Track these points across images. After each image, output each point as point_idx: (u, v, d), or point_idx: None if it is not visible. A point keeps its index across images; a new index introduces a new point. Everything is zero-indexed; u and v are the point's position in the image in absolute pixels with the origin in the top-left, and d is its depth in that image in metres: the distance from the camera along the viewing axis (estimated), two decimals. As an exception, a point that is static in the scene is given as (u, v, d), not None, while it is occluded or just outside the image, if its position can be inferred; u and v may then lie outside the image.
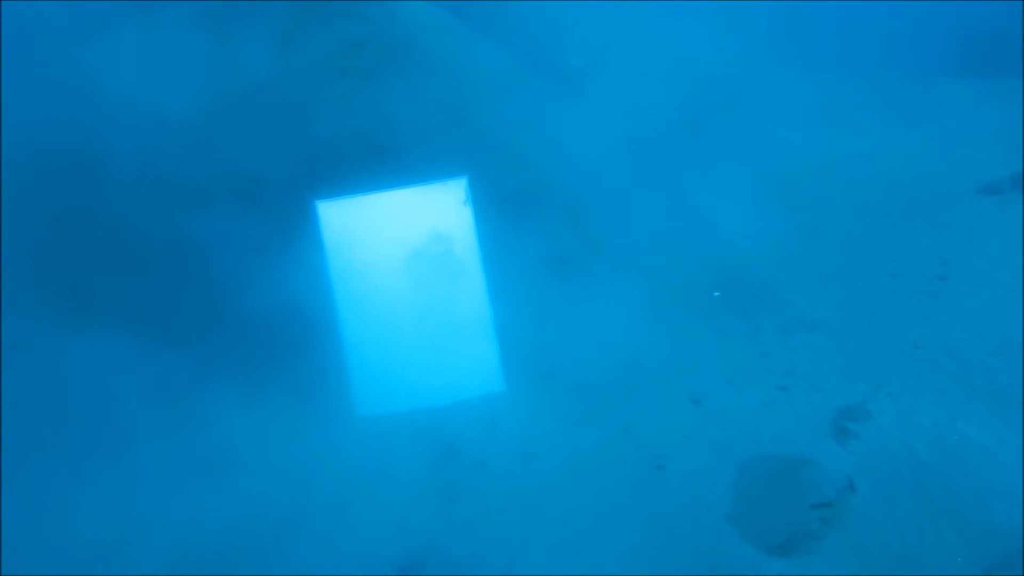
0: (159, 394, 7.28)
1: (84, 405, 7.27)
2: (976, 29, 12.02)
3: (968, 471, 5.15)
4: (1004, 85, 10.81)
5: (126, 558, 6.05)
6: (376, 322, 7.87)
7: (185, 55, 8.21)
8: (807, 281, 7.92)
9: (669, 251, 8.39)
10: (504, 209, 8.17)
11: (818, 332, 7.30)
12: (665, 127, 9.36)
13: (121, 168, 7.82)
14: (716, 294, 7.47)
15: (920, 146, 9.21)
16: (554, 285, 8.00)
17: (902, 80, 11.23)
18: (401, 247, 8.23)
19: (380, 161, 8.09)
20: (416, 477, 6.69)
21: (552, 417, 7.16)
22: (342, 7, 8.94)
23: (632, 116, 9.46)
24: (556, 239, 8.21)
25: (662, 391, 7.17)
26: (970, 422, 5.54)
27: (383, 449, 7.01)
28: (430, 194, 8.10)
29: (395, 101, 8.47)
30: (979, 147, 9.03)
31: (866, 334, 6.98)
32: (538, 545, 5.92)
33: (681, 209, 8.60)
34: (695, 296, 8.12)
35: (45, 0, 8.40)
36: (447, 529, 6.17)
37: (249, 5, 8.72)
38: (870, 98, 10.60)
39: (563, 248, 8.20)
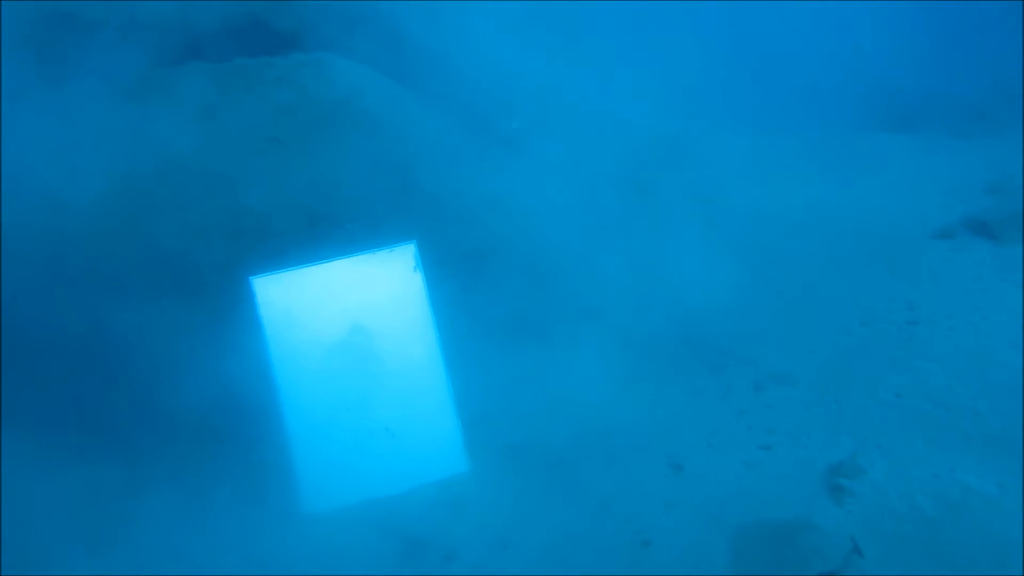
0: (82, 508, 6.43)
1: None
2: (900, 87, 12.85)
3: (977, 524, 4.99)
4: (931, 139, 11.48)
5: None
6: (322, 407, 7.35)
7: (98, 131, 7.72)
8: (774, 333, 7.91)
9: (632, 309, 8.26)
10: (457, 273, 7.95)
11: (793, 385, 7.23)
12: (614, 186, 9.40)
13: (22, 257, 7.16)
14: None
15: (866, 195, 9.55)
16: (515, 350, 7.74)
17: (835, 135, 11.77)
18: (347, 321, 7.84)
19: (320, 231, 7.76)
20: (377, 577, 6.09)
21: (523, 497, 6.73)
22: (270, 75, 8.70)
23: (580, 176, 9.47)
24: (514, 301, 7.98)
25: (639, 458, 6.87)
26: (969, 471, 5.44)
27: (339, 549, 6.38)
28: (377, 262, 7.79)
29: (333, 168, 8.20)
30: (921, 195, 9.42)
31: (843, 384, 6.93)
32: None
33: (640, 266, 8.54)
34: (663, 354, 7.96)
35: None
36: None
37: (169, 76, 8.36)
38: (808, 152, 11.04)
39: (522, 310, 7.98)
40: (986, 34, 13.74)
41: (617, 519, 6.22)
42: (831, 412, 6.67)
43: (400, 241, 7.66)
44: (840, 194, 9.63)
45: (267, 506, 6.66)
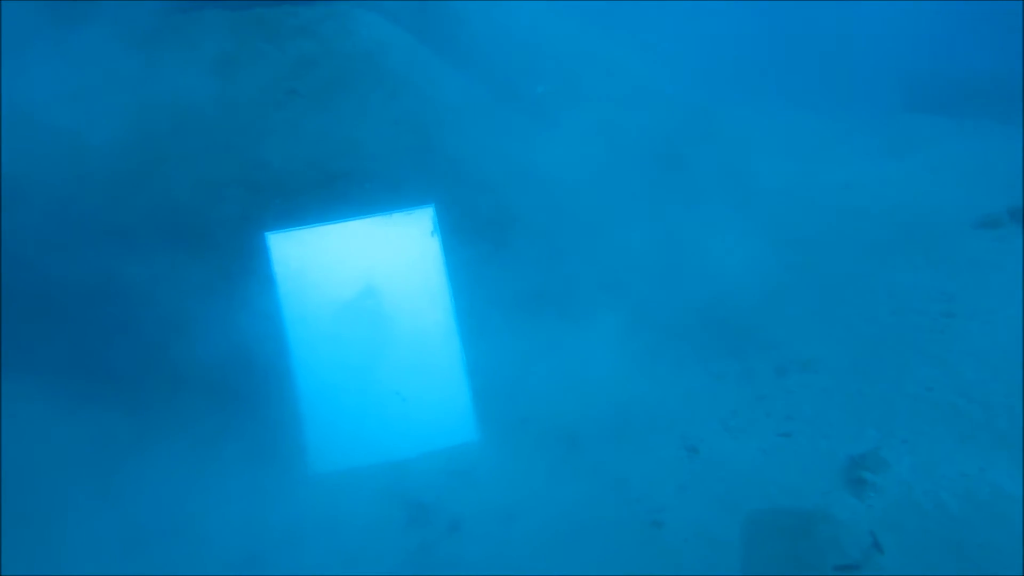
0: (89, 459, 6.41)
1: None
2: (945, 68, 12.36)
3: (1006, 526, 4.81)
4: (976, 123, 11.03)
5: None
6: (334, 368, 7.28)
7: (112, 77, 7.55)
8: (800, 318, 7.68)
9: (654, 286, 8.04)
10: (475, 240, 7.74)
11: (816, 372, 7.03)
12: (642, 158, 9.11)
13: (36, 204, 7.07)
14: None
15: (906, 179, 9.21)
16: (531, 322, 7.55)
17: (875, 115, 11.37)
18: (361, 283, 7.74)
19: (337, 190, 7.58)
20: (382, 543, 6.04)
21: (533, 470, 6.64)
22: (291, 24, 8.47)
23: (607, 146, 9.19)
24: (532, 273, 7.77)
25: (653, 438, 6.76)
26: (1000, 471, 5.24)
27: (344, 511, 6.33)
28: (393, 224, 7.66)
29: (353, 125, 8.00)
30: (964, 182, 9.06)
31: (869, 374, 6.71)
32: None
33: (664, 242, 8.29)
34: (683, 334, 7.76)
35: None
36: None
37: (185, 22, 8.16)
38: (849, 131, 10.66)
39: (540, 282, 7.76)
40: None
41: (628, 499, 6.12)
42: (855, 402, 6.47)
43: (418, 204, 7.56)
44: (878, 176, 9.30)
45: (273, 464, 6.62)
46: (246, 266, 7.07)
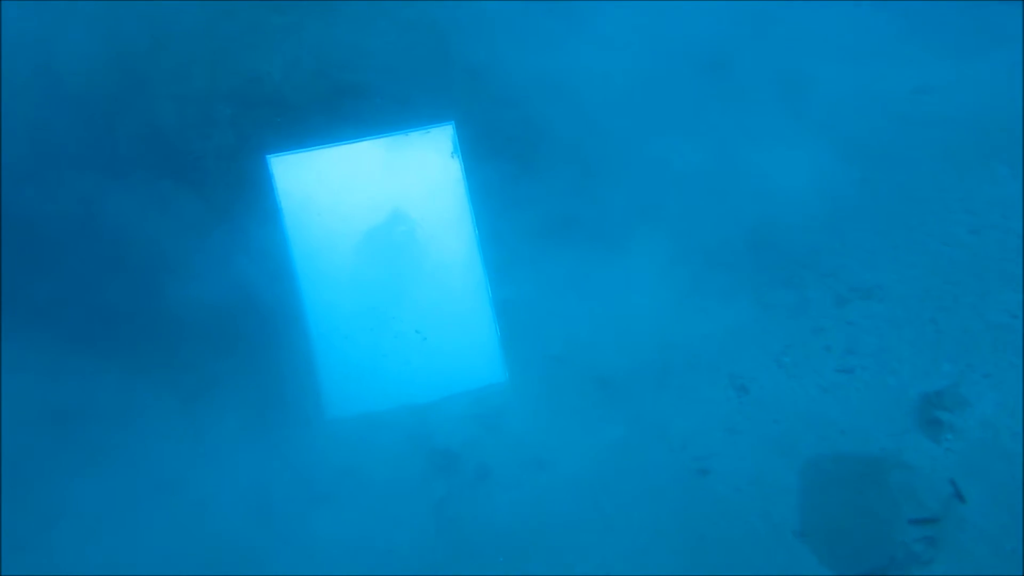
0: (81, 409, 6.16)
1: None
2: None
3: (1111, 473, 4.32)
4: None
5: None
6: (347, 304, 6.94)
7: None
8: (863, 240, 7.08)
9: (697, 208, 7.46)
10: (499, 161, 7.20)
11: (882, 301, 6.49)
12: (685, 63, 8.33)
13: (6, 131, 6.62)
14: None
15: (988, 80, 8.31)
16: (562, 251, 7.06)
17: (947, 5, 10.29)
18: (376, 210, 7.33)
19: (345, 105, 7.06)
20: (404, 492, 5.86)
21: (564, 413, 6.36)
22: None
23: (646, 51, 8.42)
24: (563, 196, 7.24)
25: (698, 377, 6.38)
26: (1104, 410, 4.71)
27: (362, 459, 6.11)
28: (410, 144, 7.20)
29: (361, 31, 7.38)
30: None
31: (944, 302, 6.14)
32: (558, 573, 5.14)
33: (710, 158, 7.63)
34: (729, 261, 7.23)
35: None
36: (444, 557, 5.39)
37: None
38: (917, 28, 9.67)
39: (571, 206, 7.23)
40: None
41: (671, 444, 5.82)
42: (928, 333, 5.94)
43: (436, 122, 7.13)
44: (953, 78, 8.41)
45: (284, 411, 6.35)
46: (245, 195, 6.64)
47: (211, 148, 6.65)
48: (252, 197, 6.67)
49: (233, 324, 6.50)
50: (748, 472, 5.43)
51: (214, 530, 5.47)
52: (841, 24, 9.67)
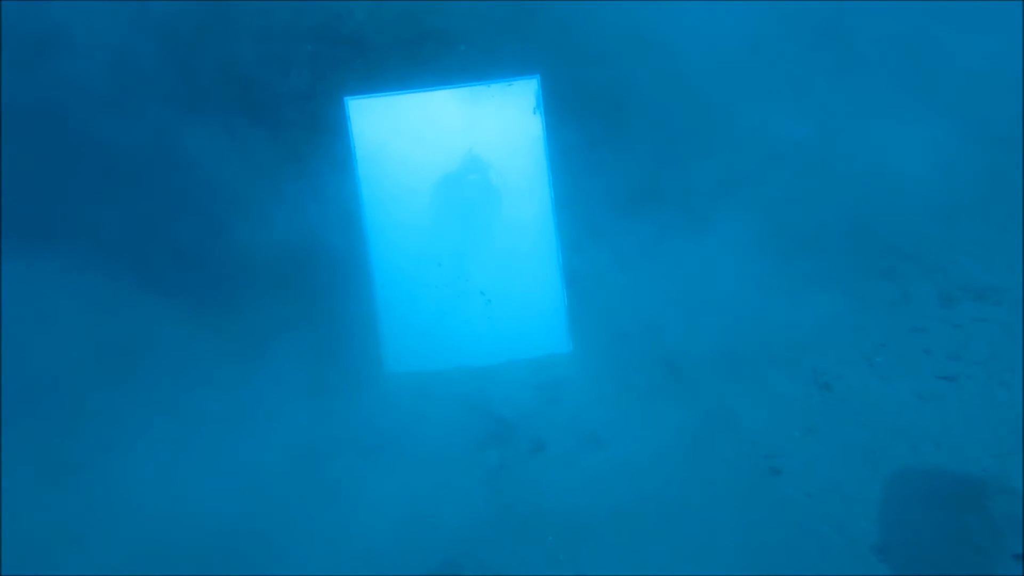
0: (136, 351, 6.27)
1: (39, 360, 6.28)
2: None
3: None
4: None
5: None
6: (414, 260, 6.82)
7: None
8: (980, 235, 6.53)
9: (792, 185, 7.00)
10: (583, 120, 6.87)
11: (997, 303, 5.99)
12: (795, 26, 7.72)
13: (85, 55, 6.65)
14: None
15: None
16: (641, 222, 6.75)
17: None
18: (450, 164, 7.13)
19: (427, 50, 6.83)
20: (456, 458, 5.73)
21: (628, 393, 6.13)
22: None
23: (753, 11, 7.83)
24: (647, 162, 6.88)
25: (777, 369, 6.04)
26: None
27: (416, 417, 6.02)
28: (491, 96, 7.01)
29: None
30: None
31: (1070, 311, 5.52)
32: (607, 559, 4.90)
33: (813, 132, 7.11)
34: (822, 246, 6.76)
35: None
36: (492, 529, 5.21)
37: None
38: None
39: (656, 176, 6.88)
40: None
41: (740, 438, 5.49)
42: (1047, 345, 5.38)
43: (520, 75, 6.86)
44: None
45: (341, 364, 6.30)
46: (319, 137, 6.52)
47: (288, 86, 6.54)
48: (326, 140, 6.56)
49: (297, 269, 6.49)
50: (824, 477, 5.04)
51: (264, 487, 5.48)
52: (978, -10, 8.79)
